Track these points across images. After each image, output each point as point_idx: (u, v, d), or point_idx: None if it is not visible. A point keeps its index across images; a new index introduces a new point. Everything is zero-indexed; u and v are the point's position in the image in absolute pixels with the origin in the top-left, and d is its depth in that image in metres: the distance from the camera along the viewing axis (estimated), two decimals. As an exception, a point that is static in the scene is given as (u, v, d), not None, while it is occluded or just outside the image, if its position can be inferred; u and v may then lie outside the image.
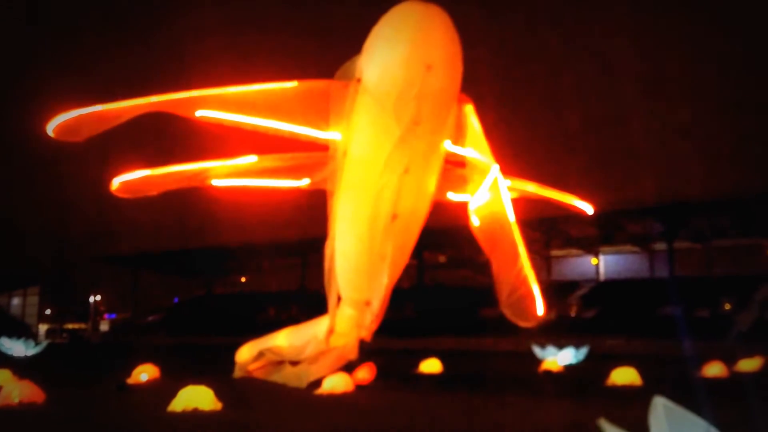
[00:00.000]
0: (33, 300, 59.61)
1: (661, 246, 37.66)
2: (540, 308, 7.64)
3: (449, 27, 6.40)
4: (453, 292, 40.19)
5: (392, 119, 6.36)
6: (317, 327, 8.59)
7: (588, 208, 9.09)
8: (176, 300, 57.90)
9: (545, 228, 39.82)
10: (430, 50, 6.25)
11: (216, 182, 7.54)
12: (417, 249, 9.29)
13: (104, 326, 58.26)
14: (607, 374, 14.17)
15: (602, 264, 43.47)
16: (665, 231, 35.26)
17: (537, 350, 21.96)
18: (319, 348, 8.49)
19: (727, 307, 33.35)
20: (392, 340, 25.22)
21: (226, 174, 7.53)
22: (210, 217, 40.99)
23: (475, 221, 7.15)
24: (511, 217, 7.16)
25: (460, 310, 35.73)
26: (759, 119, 28.27)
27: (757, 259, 36.04)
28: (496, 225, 7.11)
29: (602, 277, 43.01)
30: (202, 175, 7.49)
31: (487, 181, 7.05)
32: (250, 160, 7.47)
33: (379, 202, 6.77)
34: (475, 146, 7.04)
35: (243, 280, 56.97)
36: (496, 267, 7.26)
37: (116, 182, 7.44)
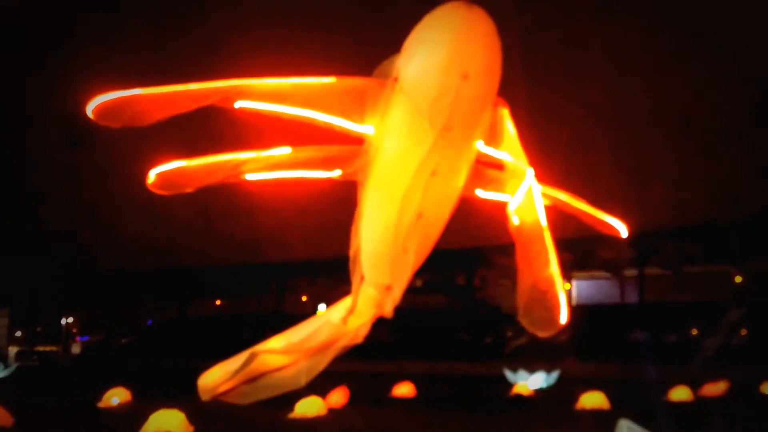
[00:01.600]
0: (3, 322, 58.53)
1: (631, 272, 38.49)
2: (563, 316, 7.25)
3: (490, 34, 6.21)
4: (428, 316, 40.53)
5: (425, 123, 6.37)
6: (329, 314, 8.66)
7: (622, 229, 8.41)
8: (150, 322, 57.36)
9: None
10: (467, 59, 6.11)
11: (250, 176, 7.74)
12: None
13: (76, 349, 57.27)
14: (576, 398, 14.52)
15: (574, 289, 44.23)
16: (636, 258, 36.09)
17: (509, 374, 22.30)
18: (331, 332, 8.43)
19: (695, 332, 34.21)
20: (365, 363, 25.34)
21: (260, 166, 7.65)
22: (186, 238, 40.91)
23: (514, 220, 7.15)
24: (543, 222, 7.13)
25: (435, 334, 36.01)
26: (728, 148, 29.22)
27: (725, 285, 37.05)
28: (529, 228, 7.15)
29: (574, 302, 43.72)
30: (238, 167, 7.62)
31: (524, 186, 7.07)
32: (284, 151, 7.58)
33: (405, 201, 6.84)
34: (509, 150, 7.06)
35: (218, 302, 56.70)
36: (522, 270, 7.19)
37: (152, 174, 7.46)
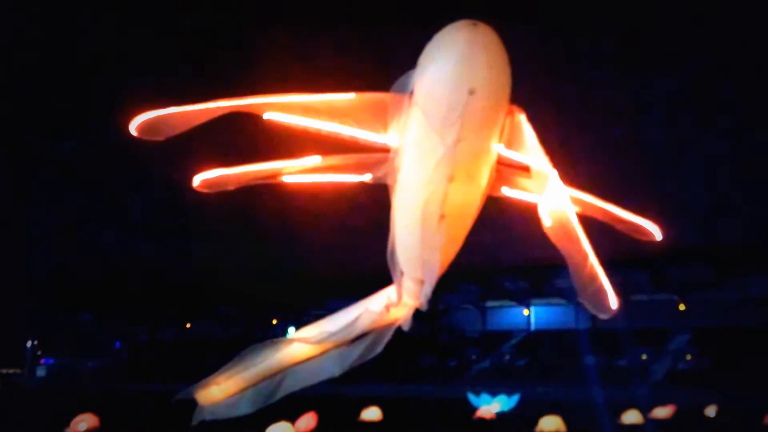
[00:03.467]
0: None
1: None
2: (613, 301, 7.53)
3: (494, 50, 6.37)
4: (393, 339, 41.34)
5: (437, 136, 6.63)
6: (367, 304, 8.84)
7: (657, 232, 8.28)
8: (117, 345, 56.56)
9: (481, 280, 41.99)
10: (472, 75, 6.30)
11: (287, 179, 8.13)
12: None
13: (41, 371, 55.79)
14: (535, 421, 15.73)
15: (533, 315, 45.91)
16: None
17: (472, 398, 23.44)
18: (372, 321, 8.79)
19: (644, 357, 36.15)
20: (334, 387, 26.08)
21: (295, 172, 8.08)
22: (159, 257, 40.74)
23: (546, 222, 7.36)
24: (574, 218, 7.25)
25: (401, 358, 36.89)
26: (670, 178, 30.89)
27: (671, 313, 39.25)
28: (562, 228, 7.32)
29: (533, 327, 45.42)
30: (275, 173, 8.03)
31: (550, 189, 7.23)
32: (315, 160, 7.93)
33: (427, 205, 7.14)
34: (530, 154, 7.16)
35: (188, 325, 56.30)
36: (571, 266, 7.40)
37: (197, 180, 7.93)
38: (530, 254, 28.93)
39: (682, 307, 39.32)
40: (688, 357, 35.40)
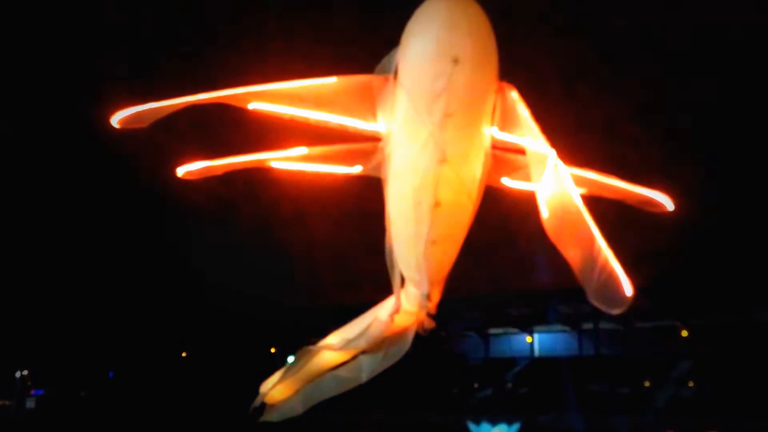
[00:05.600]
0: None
1: (588, 326, 40.19)
2: (627, 288, 6.60)
3: (478, 20, 6.28)
4: (393, 366, 41.01)
5: (424, 112, 6.37)
6: (377, 311, 8.46)
7: (668, 203, 7.58)
8: (111, 374, 56.01)
9: (484, 307, 41.83)
10: (455, 44, 6.15)
11: (275, 164, 7.84)
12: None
13: (31, 403, 54.81)
14: None
15: (536, 342, 45.62)
16: (592, 312, 37.83)
17: (472, 426, 23.21)
18: (381, 327, 8.27)
19: (647, 384, 35.86)
20: (324, 413, 25.88)
21: (281, 160, 7.86)
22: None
23: (544, 212, 6.84)
24: (578, 201, 6.71)
25: (403, 385, 36.57)
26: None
27: (673, 340, 39.00)
28: (565, 213, 6.75)
29: (536, 354, 45.08)
30: (260, 163, 7.82)
31: (548, 169, 6.77)
32: (300, 151, 7.62)
33: (418, 191, 6.80)
34: (526, 134, 6.83)
35: (184, 354, 55.89)
36: (573, 259, 6.76)
37: (181, 171, 7.76)
38: (533, 280, 28.89)
39: (684, 333, 39.11)
40: (691, 384, 35.16)
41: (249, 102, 7.08)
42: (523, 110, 6.82)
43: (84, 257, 39.93)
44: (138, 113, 7.07)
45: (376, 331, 8.55)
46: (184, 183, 8.18)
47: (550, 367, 40.44)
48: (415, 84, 6.51)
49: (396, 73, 6.67)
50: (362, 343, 8.70)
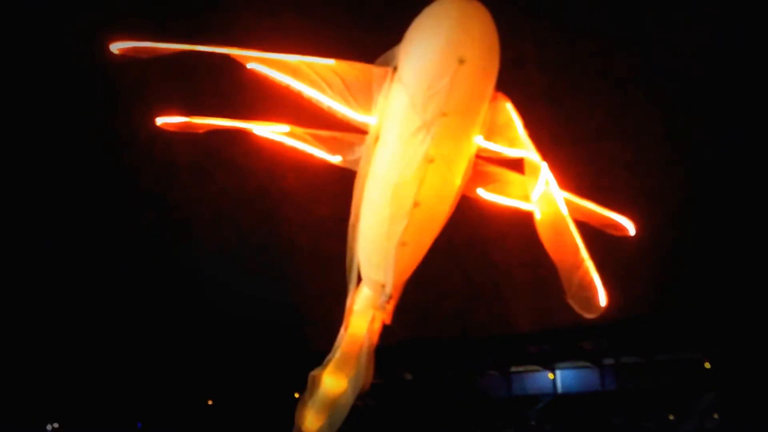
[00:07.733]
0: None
1: (609, 361, 40.20)
2: (602, 299, 7.08)
3: (486, 23, 6.47)
4: (419, 407, 41.08)
5: (420, 108, 6.41)
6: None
7: (630, 227, 7.77)
8: (139, 425, 56.08)
9: (505, 345, 42.05)
10: (464, 44, 6.30)
11: (258, 132, 7.83)
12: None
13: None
14: None
15: (558, 379, 45.52)
16: (611, 347, 37.94)
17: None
18: (344, 341, 8.13)
19: (671, 417, 35.68)
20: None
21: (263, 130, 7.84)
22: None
23: (537, 215, 7.14)
24: (564, 210, 7.05)
25: (427, 425, 36.43)
26: (694, 237, 30.88)
27: (696, 372, 38.86)
28: (554, 221, 7.08)
29: (559, 391, 44.97)
30: (243, 129, 7.85)
31: (541, 179, 6.97)
32: (282, 129, 7.60)
33: (401, 188, 6.80)
34: (518, 145, 6.96)
35: (210, 402, 55.87)
36: (558, 262, 7.12)
37: (159, 121, 7.73)
38: (553, 317, 28.99)
39: (707, 365, 38.99)
40: (715, 416, 34.97)
41: (248, 62, 7.22)
42: (517, 122, 7.04)
43: (115, 310, 40.44)
44: (138, 47, 7.21)
45: (342, 342, 8.45)
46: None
47: (573, 403, 40.44)
48: (416, 78, 6.59)
49: (396, 67, 6.77)
50: (338, 356, 8.53)
